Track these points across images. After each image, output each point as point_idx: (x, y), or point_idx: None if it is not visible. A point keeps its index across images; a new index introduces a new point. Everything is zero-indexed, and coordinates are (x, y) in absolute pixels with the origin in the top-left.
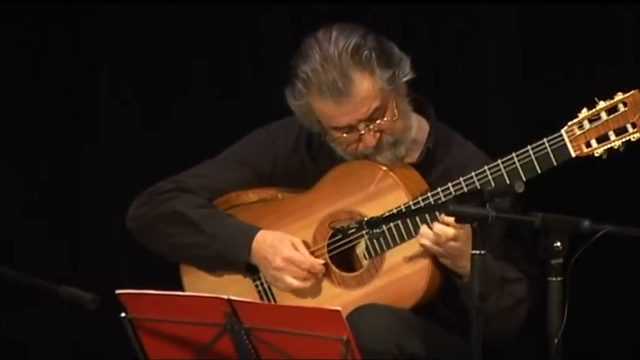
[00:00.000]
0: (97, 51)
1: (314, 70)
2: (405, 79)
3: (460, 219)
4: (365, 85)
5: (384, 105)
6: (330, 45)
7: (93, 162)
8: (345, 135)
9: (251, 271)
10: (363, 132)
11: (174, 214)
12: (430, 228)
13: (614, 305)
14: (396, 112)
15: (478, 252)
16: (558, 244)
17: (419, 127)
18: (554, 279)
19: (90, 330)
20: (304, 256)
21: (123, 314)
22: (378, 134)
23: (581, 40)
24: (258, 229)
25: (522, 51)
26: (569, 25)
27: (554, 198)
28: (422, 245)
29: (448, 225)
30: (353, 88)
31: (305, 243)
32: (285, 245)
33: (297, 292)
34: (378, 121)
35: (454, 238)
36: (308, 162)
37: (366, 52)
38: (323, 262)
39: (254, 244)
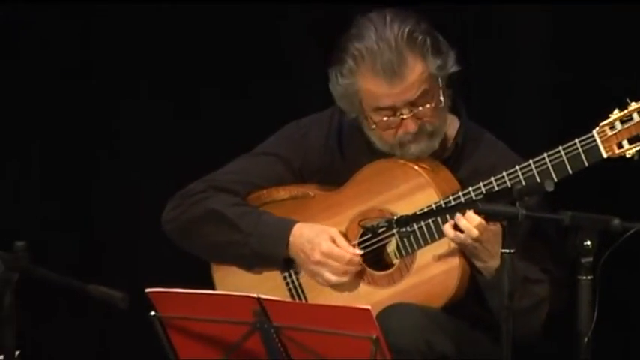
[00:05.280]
0: (115, 51)
1: (369, 48)
2: (452, 69)
3: (490, 217)
4: (417, 68)
5: (431, 91)
6: (385, 27)
7: (122, 160)
8: (386, 119)
9: (288, 265)
10: (405, 117)
11: (211, 214)
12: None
13: None
14: (441, 99)
15: (508, 251)
16: (588, 242)
17: (449, 123)
18: (584, 277)
19: (119, 328)
20: (343, 250)
21: (152, 312)
22: (419, 121)
23: (614, 40)
24: (294, 223)
25: (554, 50)
26: (601, 24)
27: (583, 196)
28: (448, 236)
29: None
30: (406, 70)
31: None
32: (323, 239)
33: (328, 290)
34: (421, 107)
35: (477, 239)
36: (338, 159)
37: (420, 37)
38: (360, 252)
39: (291, 239)
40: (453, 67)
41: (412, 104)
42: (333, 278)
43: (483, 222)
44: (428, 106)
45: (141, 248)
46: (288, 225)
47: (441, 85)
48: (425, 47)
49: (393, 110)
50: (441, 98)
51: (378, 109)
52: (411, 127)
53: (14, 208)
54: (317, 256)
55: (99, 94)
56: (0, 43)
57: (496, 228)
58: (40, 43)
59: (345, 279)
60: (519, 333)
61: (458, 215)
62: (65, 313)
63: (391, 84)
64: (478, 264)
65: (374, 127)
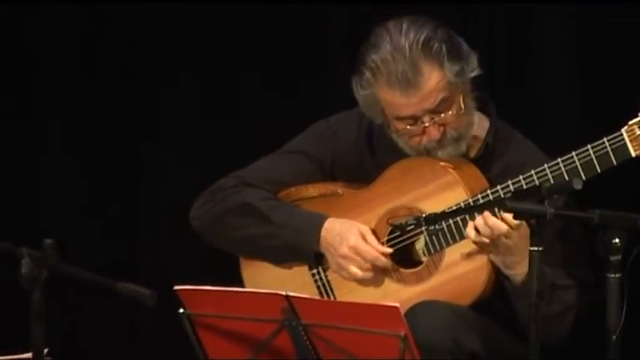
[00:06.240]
0: (156, 47)
1: (384, 59)
2: (472, 74)
3: (518, 216)
4: (434, 77)
5: (451, 98)
6: (401, 36)
7: (152, 158)
8: (408, 127)
9: (317, 262)
10: (427, 124)
11: (243, 207)
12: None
13: None
14: (462, 106)
15: (536, 249)
16: (616, 240)
17: (478, 123)
18: (612, 275)
19: (147, 326)
20: (370, 247)
21: (181, 310)
22: (442, 128)
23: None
24: (326, 218)
25: (582, 48)
26: (628, 23)
27: (611, 195)
28: (469, 237)
29: (504, 221)
30: (422, 80)
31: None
32: (352, 233)
33: (356, 288)
34: (442, 115)
35: (506, 235)
36: (368, 156)
37: (436, 45)
38: (390, 251)
39: (322, 232)
40: (474, 72)
41: (432, 112)
42: (360, 273)
43: (513, 223)
44: (449, 113)
45: (170, 246)
46: (320, 219)
47: (462, 90)
48: (441, 55)
49: (414, 119)
50: (462, 105)
51: (399, 118)
52: (434, 134)
53: (41, 203)
54: (344, 250)
55: (137, 91)
56: (51, 37)
57: (522, 232)
58: (83, 39)
59: (369, 275)
60: (546, 338)
61: (486, 213)
62: (94, 311)
63: (407, 94)
64: (505, 271)
65: (397, 134)
